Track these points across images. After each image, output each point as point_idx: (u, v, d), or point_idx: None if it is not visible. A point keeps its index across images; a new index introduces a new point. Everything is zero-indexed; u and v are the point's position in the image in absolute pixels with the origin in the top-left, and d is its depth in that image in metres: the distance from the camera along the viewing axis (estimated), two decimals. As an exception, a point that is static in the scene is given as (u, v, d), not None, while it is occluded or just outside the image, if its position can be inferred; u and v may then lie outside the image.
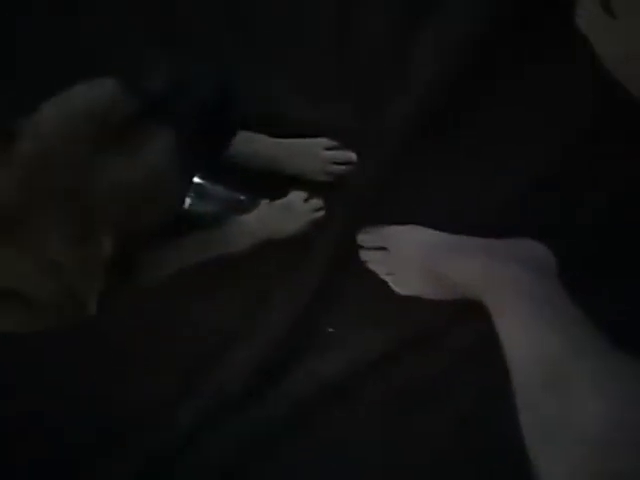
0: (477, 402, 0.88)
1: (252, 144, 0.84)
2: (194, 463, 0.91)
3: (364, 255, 0.89)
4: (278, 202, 0.85)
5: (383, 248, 0.88)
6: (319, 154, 0.85)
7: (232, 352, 0.90)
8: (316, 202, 0.86)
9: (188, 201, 0.82)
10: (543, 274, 0.77)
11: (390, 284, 0.88)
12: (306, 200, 0.86)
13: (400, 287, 0.88)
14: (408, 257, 0.86)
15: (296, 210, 0.85)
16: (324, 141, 0.85)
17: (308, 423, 0.90)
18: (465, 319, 0.87)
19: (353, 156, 0.86)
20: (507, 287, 0.74)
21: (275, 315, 0.90)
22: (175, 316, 0.90)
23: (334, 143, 0.86)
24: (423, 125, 0.84)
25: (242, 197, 0.85)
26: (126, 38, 0.88)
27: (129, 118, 0.55)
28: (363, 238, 0.88)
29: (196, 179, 0.83)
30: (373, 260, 0.88)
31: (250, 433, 0.90)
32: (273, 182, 0.85)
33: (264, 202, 0.85)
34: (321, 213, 0.86)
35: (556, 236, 0.82)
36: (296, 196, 0.85)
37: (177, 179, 0.59)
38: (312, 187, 0.86)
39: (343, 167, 0.86)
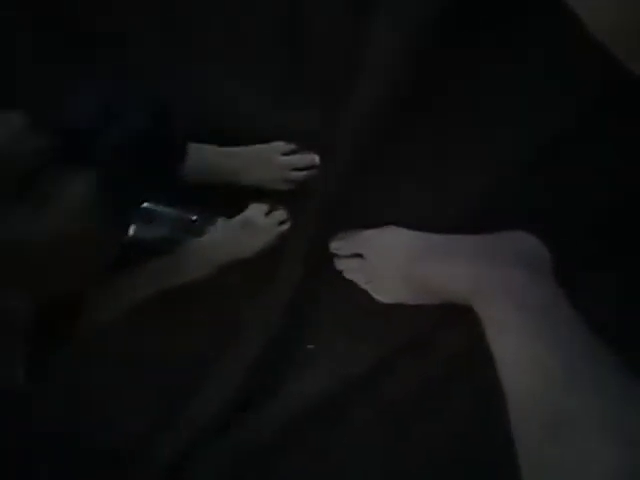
0: (474, 404, 0.82)
1: (200, 156, 0.74)
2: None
3: (339, 264, 0.81)
4: (236, 219, 0.76)
5: (359, 255, 0.80)
6: (276, 160, 0.75)
7: (205, 382, 0.83)
8: (279, 214, 0.77)
9: (133, 228, 0.73)
10: (536, 272, 0.70)
11: (370, 292, 0.81)
12: (268, 213, 0.77)
13: (381, 295, 0.80)
14: (387, 263, 0.78)
15: (258, 226, 0.76)
16: (280, 145, 0.76)
17: (297, 445, 0.85)
18: (454, 322, 0.80)
19: (315, 158, 0.76)
20: (497, 293, 0.67)
21: (247, 338, 0.82)
22: (143, 350, 0.83)
23: (291, 146, 0.76)
24: (392, 115, 0.74)
25: (194, 217, 0.76)
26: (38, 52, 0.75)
27: (35, 164, 0.45)
28: (337, 246, 0.80)
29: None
30: (350, 269, 0.81)
31: (234, 460, 0.84)
32: (228, 197, 0.77)
33: (221, 220, 0.76)
34: (286, 226, 0.77)
35: (548, 226, 0.74)
36: (256, 210, 0.76)
37: (104, 227, 0.50)
38: (273, 198, 0.76)
39: (304, 173, 0.76)
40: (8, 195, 0.44)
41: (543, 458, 0.51)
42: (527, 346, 0.60)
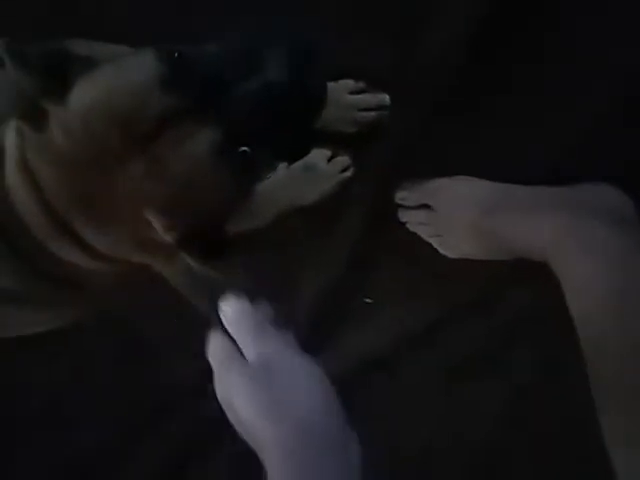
0: (534, 371, 0.80)
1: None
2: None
3: (404, 215, 0.75)
4: (298, 164, 0.71)
5: (426, 206, 0.74)
6: (343, 99, 0.69)
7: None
8: (342, 160, 0.72)
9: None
10: (621, 226, 0.65)
11: (436, 246, 0.76)
12: (330, 159, 0.72)
13: (448, 249, 0.75)
14: (457, 214, 0.73)
15: (320, 171, 0.71)
16: (348, 83, 0.69)
17: (349, 398, 0.82)
18: (522, 281, 0.76)
19: (385, 98, 0.69)
20: (578, 247, 0.62)
21: (306, 288, 0.79)
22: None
23: (360, 85, 0.69)
24: (468, 59, 0.68)
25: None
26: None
27: (163, 116, 0.42)
28: (402, 196, 0.75)
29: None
30: (415, 220, 0.75)
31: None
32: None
33: (282, 166, 0.70)
34: (349, 173, 0.72)
35: (633, 178, 0.68)
36: (318, 155, 0.71)
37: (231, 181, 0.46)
38: (337, 141, 0.71)
39: (372, 113, 0.70)
40: (135, 150, 0.42)
41: (626, 410, 0.50)
42: (607, 301, 0.56)
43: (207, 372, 0.81)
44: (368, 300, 0.80)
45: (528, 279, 0.75)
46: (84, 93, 0.43)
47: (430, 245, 0.76)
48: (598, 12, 0.71)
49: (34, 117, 0.44)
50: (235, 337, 0.43)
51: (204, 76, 0.44)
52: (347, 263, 0.77)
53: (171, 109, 0.43)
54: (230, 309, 0.43)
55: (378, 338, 0.80)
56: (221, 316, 0.44)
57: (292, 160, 0.66)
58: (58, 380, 0.85)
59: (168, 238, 0.46)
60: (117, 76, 0.44)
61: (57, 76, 0.43)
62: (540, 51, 0.71)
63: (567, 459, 0.79)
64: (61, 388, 0.85)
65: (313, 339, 0.80)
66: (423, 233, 0.75)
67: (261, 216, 0.71)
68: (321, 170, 0.71)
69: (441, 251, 0.75)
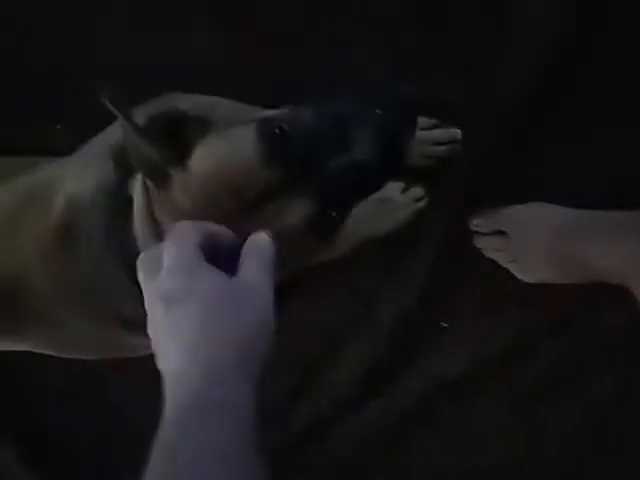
0: (614, 396, 0.79)
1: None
2: (309, 463, 0.88)
3: (480, 242, 0.77)
4: (374, 196, 0.73)
5: (502, 232, 0.75)
6: (416, 135, 0.72)
7: (342, 353, 0.84)
8: (416, 191, 0.74)
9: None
10: None
11: (513, 272, 0.76)
12: (404, 190, 0.74)
13: (525, 274, 0.76)
14: (533, 239, 0.73)
15: (395, 202, 0.74)
16: (421, 120, 0.71)
17: (427, 422, 0.84)
18: (602, 303, 0.76)
19: (457, 133, 0.71)
20: None
21: (383, 313, 0.81)
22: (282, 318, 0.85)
23: (433, 121, 0.72)
24: (535, 92, 0.69)
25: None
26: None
27: (265, 188, 0.48)
28: (478, 223, 0.76)
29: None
30: (491, 247, 0.76)
31: (366, 433, 0.86)
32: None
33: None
34: (423, 203, 0.74)
35: None
36: (393, 187, 0.73)
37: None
38: (410, 174, 0.73)
39: (444, 147, 0.72)
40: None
41: None
42: None
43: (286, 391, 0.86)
44: (445, 324, 0.82)
45: (607, 302, 0.75)
46: (202, 160, 0.49)
47: (507, 271, 0.77)
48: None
49: (159, 177, 0.50)
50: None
51: (301, 153, 0.48)
52: (423, 290, 0.79)
53: (271, 182, 0.48)
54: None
55: (454, 363, 0.81)
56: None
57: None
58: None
59: None
60: (227, 148, 0.49)
61: (177, 144, 0.49)
62: (605, 83, 0.72)
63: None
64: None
65: (390, 364, 0.83)
66: (499, 259, 0.76)
67: (339, 248, 0.74)
68: (395, 202, 0.74)
69: (518, 276, 0.76)
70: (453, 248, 0.77)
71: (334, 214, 0.52)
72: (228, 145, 0.50)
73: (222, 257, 0.42)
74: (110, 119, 0.54)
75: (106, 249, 0.57)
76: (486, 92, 0.70)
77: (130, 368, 0.74)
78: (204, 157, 0.49)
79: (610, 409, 0.80)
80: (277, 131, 0.49)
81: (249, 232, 0.44)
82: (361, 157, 0.49)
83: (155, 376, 0.40)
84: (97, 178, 0.58)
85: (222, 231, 0.44)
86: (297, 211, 0.49)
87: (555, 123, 0.72)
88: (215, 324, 0.39)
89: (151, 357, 0.41)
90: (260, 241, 0.43)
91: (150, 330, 0.41)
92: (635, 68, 0.72)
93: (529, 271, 0.75)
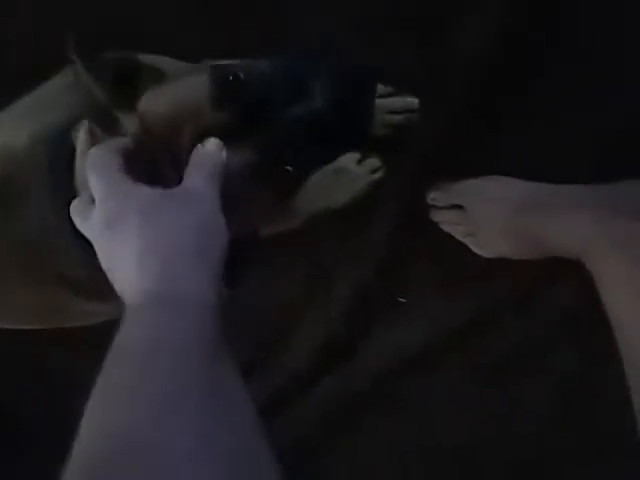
0: (579, 367, 0.78)
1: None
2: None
3: (437, 215, 0.75)
4: (328, 168, 0.71)
5: (459, 206, 0.74)
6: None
7: (297, 330, 0.82)
8: (372, 162, 0.72)
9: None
10: None
11: (470, 246, 0.75)
12: (360, 161, 0.72)
13: (482, 249, 0.75)
14: (491, 214, 0.72)
15: (350, 174, 0.72)
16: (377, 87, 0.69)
17: (386, 399, 0.83)
18: (559, 279, 0.75)
19: (415, 102, 0.69)
20: (615, 247, 0.61)
21: (339, 288, 0.80)
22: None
23: (389, 89, 0.69)
24: (497, 60, 0.67)
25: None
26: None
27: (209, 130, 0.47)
28: (435, 196, 0.74)
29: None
30: (448, 220, 0.75)
31: (324, 411, 0.84)
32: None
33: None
34: (380, 174, 0.72)
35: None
36: (349, 158, 0.71)
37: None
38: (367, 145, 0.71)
39: (400, 116, 0.70)
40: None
41: None
42: None
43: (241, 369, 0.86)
44: (402, 299, 0.80)
45: (564, 278, 0.74)
46: (150, 102, 0.48)
47: (464, 245, 0.75)
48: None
49: (106, 122, 0.48)
50: None
51: (251, 98, 0.48)
52: (380, 263, 0.77)
53: (220, 124, 0.47)
54: None
55: (413, 337, 0.80)
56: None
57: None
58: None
59: None
60: (177, 91, 0.48)
61: (128, 87, 0.48)
62: (573, 50, 0.70)
63: (615, 453, 0.77)
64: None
65: (348, 339, 0.82)
66: (456, 233, 0.75)
67: (295, 218, 0.72)
68: (351, 172, 0.72)
69: (475, 251, 0.75)
70: (410, 220, 0.75)
71: (290, 169, 0.51)
72: (178, 89, 0.49)
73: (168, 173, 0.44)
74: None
75: (49, 203, 0.55)
76: (443, 60, 0.68)
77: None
78: (153, 99, 0.48)
79: (575, 385, 0.79)
80: (230, 77, 0.49)
81: None
82: (317, 106, 0.47)
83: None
84: (30, 131, 0.56)
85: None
86: (245, 157, 0.48)
87: (515, 94, 0.70)
88: (156, 231, 0.40)
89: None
90: (206, 150, 0.44)
91: (102, 263, 0.42)
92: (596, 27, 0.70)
93: (486, 246, 0.74)
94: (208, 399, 0.34)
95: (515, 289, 0.77)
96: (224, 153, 0.45)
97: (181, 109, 0.47)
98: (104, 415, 0.32)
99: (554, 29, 0.71)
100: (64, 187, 0.53)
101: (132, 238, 0.40)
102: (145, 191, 0.41)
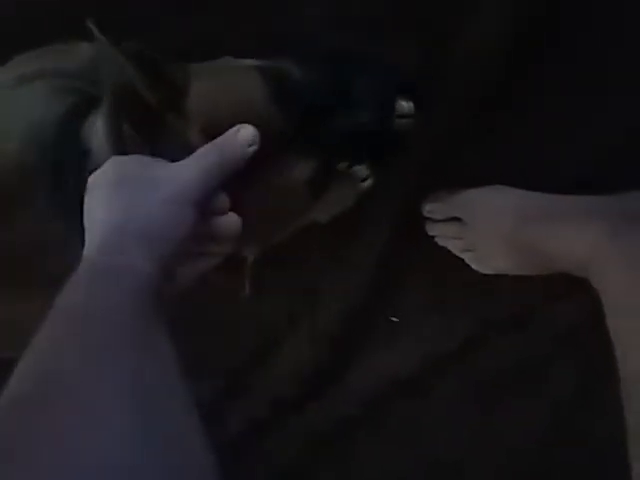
0: (576, 389, 0.75)
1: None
2: (245, 467, 0.81)
3: (432, 229, 0.70)
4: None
5: (457, 219, 0.68)
6: None
7: (282, 351, 0.77)
8: (361, 170, 0.66)
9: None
10: None
11: (468, 262, 0.70)
12: (348, 168, 0.66)
13: (481, 265, 0.70)
14: (492, 227, 0.67)
15: (338, 183, 0.66)
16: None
17: (378, 421, 0.78)
18: (561, 296, 0.71)
19: (410, 107, 0.63)
20: (619, 262, 0.58)
21: (326, 308, 0.74)
22: (216, 318, 0.76)
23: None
24: (498, 65, 0.64)
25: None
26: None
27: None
28: (430, 208, 0.69)
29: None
30: (445, 234, 0.70)
31: (310, 435, 0.79)
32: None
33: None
34: (369, 183, 0.66)
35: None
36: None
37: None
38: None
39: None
40: None
41: None
42: None
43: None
44: (394, 319, 0.75)
45: (562, 295, 0.70)
46: (211, 105, 0.46)
47: (461, 260, 0.70)
48: None
49: (150, 125, 0.45)
50: None
51: (306, 105, 0.47)
52: (371, 281, 0.72)
53: (277, 129, 0.46)
54: None
55: (406, 357, 0.75)
56: None
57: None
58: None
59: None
60: (230, 89, 0.48)
61: (168, 85, 0.45)
62: (574, 53, 0.66)
63: (612, 469, 0.74)
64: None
65: (338, 359, 0.76)
66: (453, 248, 0.70)
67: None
68: (339, 181, 0.66)
69: (473, 267, 0.70)
70: (404, 234, 0.70)
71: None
72: (231, 86, 0.48)
73: None
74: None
75: (42, 203, 0.51)
76: (443, 60, 0.63)
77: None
78: (209, 100, 0.46)
79: (573, 404, 0.75)
80: (284, 78, 0.48)
81: (250, 184, 0.43)
82: (362, 113, 0.49)
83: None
84: (19, 131, 0.51)
85: None
86: (303, 165, 0.49)
87: (515, 94, 0.66)
88: (118, 205, 0.40)
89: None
90: (236, 136, 0.43)
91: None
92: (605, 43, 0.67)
93: (486, 261, 0.69)
94: (139, 350, 0.35)
95: (513, 307, 0.73)
96: (253, 148, 0.42)
97: (245, 110, 0.46)
98: (35, 361, 0.32)
99: (554, 29, 0.68)
100: (56, 187, 0.51)
101: (96, 209, 0.41)
102: (130, 165, 0.42)
